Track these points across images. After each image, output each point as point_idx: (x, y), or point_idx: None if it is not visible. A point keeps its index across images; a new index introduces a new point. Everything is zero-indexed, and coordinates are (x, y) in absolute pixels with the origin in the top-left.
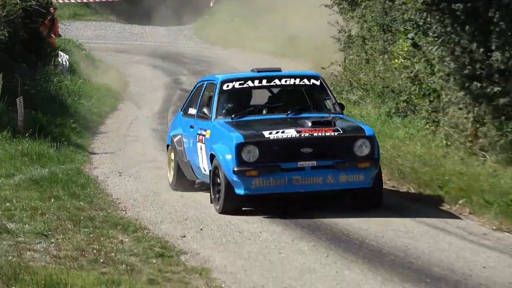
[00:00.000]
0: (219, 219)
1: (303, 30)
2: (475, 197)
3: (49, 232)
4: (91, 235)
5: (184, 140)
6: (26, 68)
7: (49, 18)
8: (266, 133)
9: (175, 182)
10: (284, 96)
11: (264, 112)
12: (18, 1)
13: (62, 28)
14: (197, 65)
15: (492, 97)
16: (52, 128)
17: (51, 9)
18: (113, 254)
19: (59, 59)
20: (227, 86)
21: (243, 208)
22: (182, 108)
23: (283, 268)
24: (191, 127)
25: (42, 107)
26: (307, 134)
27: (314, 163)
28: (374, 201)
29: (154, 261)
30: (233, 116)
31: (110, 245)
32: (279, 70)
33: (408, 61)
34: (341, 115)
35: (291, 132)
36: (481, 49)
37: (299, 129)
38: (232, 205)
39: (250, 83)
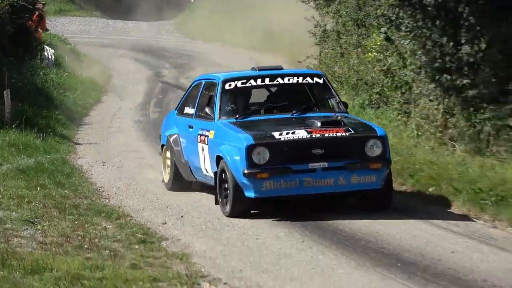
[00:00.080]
0: (199, 207)
1: (280, 25)
2: (444, 185)
3: (36, 219)
4: (75, 222)
5: (181, 140)
6: (13, 62)
7: (37, 13)
8: (276, 134)
9: (172, 182)
10: (284, 95)
11: (262, 112)
12: None
13: (48, 23)
14: (178, 59)
15: (461, 89)
16: (38, 119)
17: (40, 5)
18: (97, 240)
19: (45, 53)
20: (229, 85)
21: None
22: (176, 107)
23: (260, 253)
24: (190, 127)
25: (28, 100)
26: (318, 135)
27: (326, 164)
28: (384, 202)
29: (137, 247)
30: (237, 116)
31: (94, 231)
32: (281, 68)
33: (381, 55)
34: (346, 114)
35: (301, 133)
36: (451, 43)
37: (309, 129)
38: (241, 208)
39: (252, 82)
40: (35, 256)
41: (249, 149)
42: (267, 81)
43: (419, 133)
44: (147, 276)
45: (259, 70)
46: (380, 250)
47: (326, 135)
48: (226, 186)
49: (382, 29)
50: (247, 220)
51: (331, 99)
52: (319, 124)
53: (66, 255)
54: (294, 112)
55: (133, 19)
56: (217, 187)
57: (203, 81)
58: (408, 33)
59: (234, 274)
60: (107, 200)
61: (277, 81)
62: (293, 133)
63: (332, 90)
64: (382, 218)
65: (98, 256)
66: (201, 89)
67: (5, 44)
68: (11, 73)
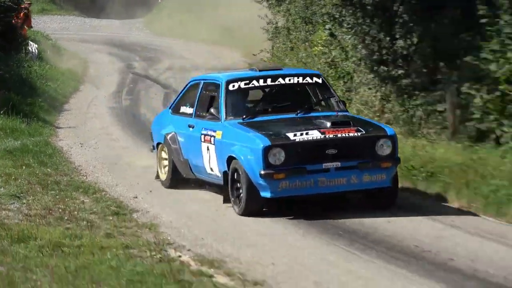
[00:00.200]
0: None
1: (238, 22)
2: None
3: (21, 194)
4: (57, 197)
5: (179, 139)
6: (1, 56)
7: (24, 12)
8: (291, 135)
9: (169, 180)
10: (280, 95)
11: (269, 110)
12: None
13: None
14: (147, 53)
15: (396, 79)
16: (23, 106)
17: (26, 4)
18: (75, 212)
19: (29, 48)
20: (233, 86)
21: None
22: (170, 106)
23: (219, 223)
24: (190, 126)
25: (14, 89)
26: (331, 135)
27: (339, 164)
28: (391, 200)
29: (111, 218)
30: (244, 116)
31: (73, 205)
32: (280, 69)
33: (326, 49)
34: (347, 113)
35: (315, 134)
36: (387, 38)
37: (322, 130)
38: (255, 207)
39: (255, 82)
40: (21, 226)
41: (266, 150)
42: (269, 81)
43: None
44: (120, 244)
45: (259, 70)
46: (325, 220)
47: (339, 135)
48: (238, 185)
49: (327, 26)
50: (208, 194)
51: (331, 98)
52: (328, 124)
53: (49, 226)
54: (298, 112)
55: (107, 18)
56: (229, 186)
57: (201, 82)
58: (349, 29)
59: (196, 241)
60: (85, 177)
61: (279, 81)
62: (306, 133)
63: (331, 89)
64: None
65: (76, 226)
66: (199, 89)
67: None
68: None
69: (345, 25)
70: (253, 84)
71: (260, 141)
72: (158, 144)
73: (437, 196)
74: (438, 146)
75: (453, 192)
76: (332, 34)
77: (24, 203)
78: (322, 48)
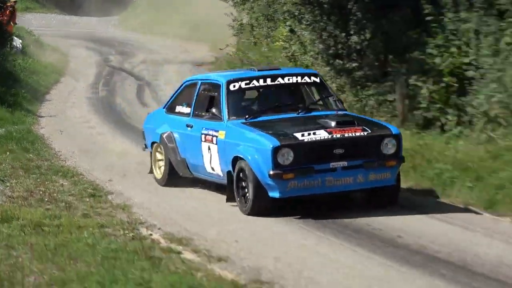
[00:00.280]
0: (138, 167)
1: (206, 19)
2: None
3: (5, 178)
4: (38, 180)
5: (176, 138)
6: None
7: (10, 9)
8: (299, 136)
9: (166, 178)
10: (279, 95)
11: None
12: None
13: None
14: (123, 48)
15: (351, 71)
16: (8, 97)
17: (12, 2)
18: (55, 194)
19: (14, 43)
20: (234, 86)
21: None
22: (164, 106)
23: (188, 203)
24: (189, 126)
25: (0, 81)
26: (338, 135)
27: (345, 163)
28: (394, 198)
29: (87, 199)
30: (246, 116)
31: (53, 187)
32: (278, 68)
33: (287, 44)
34: (346, 112)
35: (322, 134)
36: (343, 34)
37: (328, 130)
38: (263, 207)
39: (255, 82)
40: (4, 207)
41: (275, 151)
42: (268, 81)
43: None
44: (96, 223)
45: (258, 70)
46: (284, 202)
47: (346, 135)
48: (244, 185)
49: (287, 23)
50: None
51: (330, 97)
52: (333, 124)
53: (30, 207)
54: (299, 111)
55: (86, 15)
56: (234, 186)
57: (199, 82)
58: (308, 26)
59: (166, 221)
60: (64, 162)
61: (278, 81)
62: (314, 133)
63: (329, 88)
64: None
65: (56, 207)
66: (197, 89)
67: None
68: None
69: (304, 22)
70: (253, 84)
71: (269, 142)
72: (153, 143)
73: None
74: None
75: (402, 175)
76: (292, 30)
77: (8, 186)
78: (283, 43)
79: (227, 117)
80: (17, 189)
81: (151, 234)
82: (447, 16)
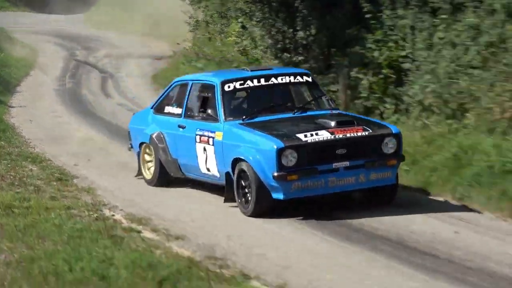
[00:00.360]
0: (102, 151)
1: (165, 16)
2: None
3: None
4: (9, 166)
5: (166, 138)
6: None
7: None
8: (302, 136)
9: (156, 179)
10: (271, 95)
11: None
12: None
13: None
14: (88, 43)
15: (297, 64)
16: None
17: None
18: (25, 179)
19: None
20: (229, 87)
21: None
22: (152, 106)
23: (146, 187)
24: (181, 127)
25: None
26: (341, 135)
27: (347, 163)
28: (392, 196)
29: (55, 183)
30: (243, 117)
31: (23, 172)
32: (270, 68)
33: (239, 39)
34: (339, 111)
35: (324, 134)
36: (290, 30)
37: (330, 130)
38: (265, 208)
39: (249, 82)
40: None
41: (279, 152)
42: (262, 81)
43: None
44: (63, 205)
45: (251, 70)
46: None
47: (348, 135)
48: (244, 184)
49: (239, 20)
50: (136, 163)
51: (322, 97)
52: (333, 124)
53: (1, 190)
54: (295, 111)
55: (54, 13)
56: (234, 188)
57: (190, 82)
58: (258, 22)
59: (128, 202)
60: (33, 149)
61: (272, 81)
62: (316, 134)
63: (320, 87)
64: None
65: (25, 190)
66: (188, 89)
67: None
68: None
69: (255, 19)
70: (247, 84)
71: (273, 143)
72: (141, 143)
73: None
74: None
75: None
76: (243, 27)
77: None
78: (235, 38)
79: (223, 118)
80: None
81: (113, 215)
82: (385, 13)
